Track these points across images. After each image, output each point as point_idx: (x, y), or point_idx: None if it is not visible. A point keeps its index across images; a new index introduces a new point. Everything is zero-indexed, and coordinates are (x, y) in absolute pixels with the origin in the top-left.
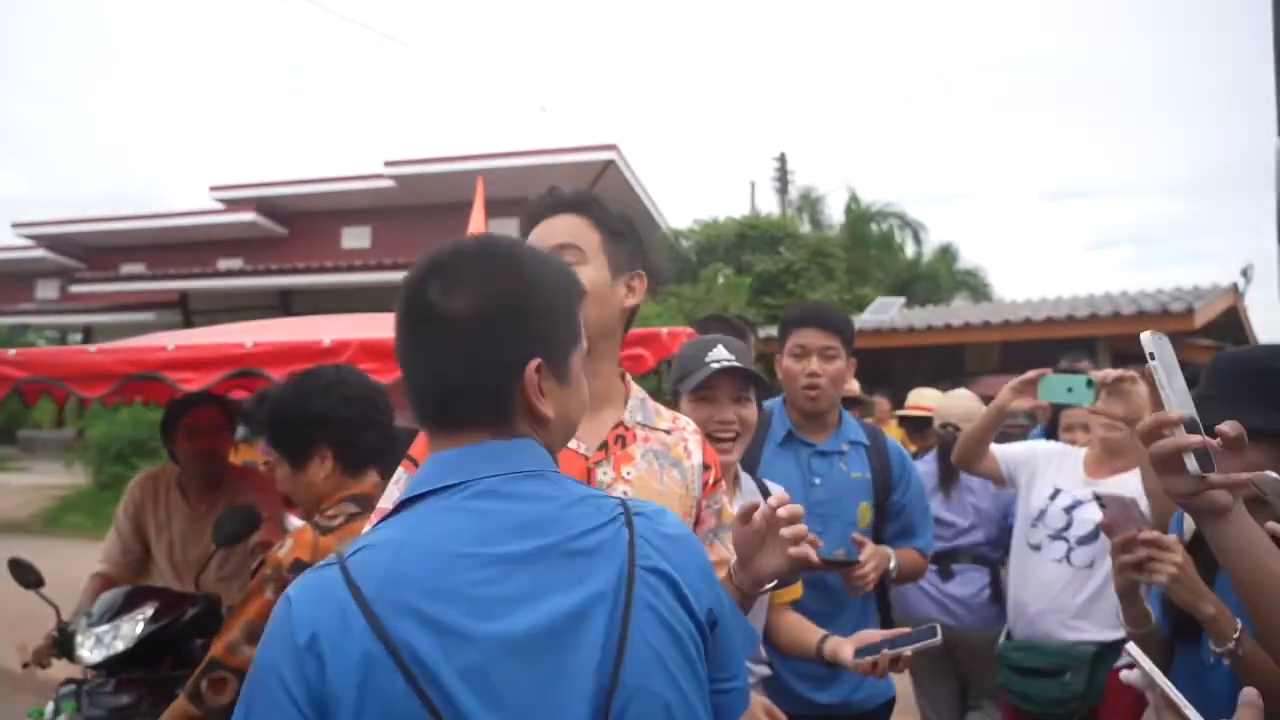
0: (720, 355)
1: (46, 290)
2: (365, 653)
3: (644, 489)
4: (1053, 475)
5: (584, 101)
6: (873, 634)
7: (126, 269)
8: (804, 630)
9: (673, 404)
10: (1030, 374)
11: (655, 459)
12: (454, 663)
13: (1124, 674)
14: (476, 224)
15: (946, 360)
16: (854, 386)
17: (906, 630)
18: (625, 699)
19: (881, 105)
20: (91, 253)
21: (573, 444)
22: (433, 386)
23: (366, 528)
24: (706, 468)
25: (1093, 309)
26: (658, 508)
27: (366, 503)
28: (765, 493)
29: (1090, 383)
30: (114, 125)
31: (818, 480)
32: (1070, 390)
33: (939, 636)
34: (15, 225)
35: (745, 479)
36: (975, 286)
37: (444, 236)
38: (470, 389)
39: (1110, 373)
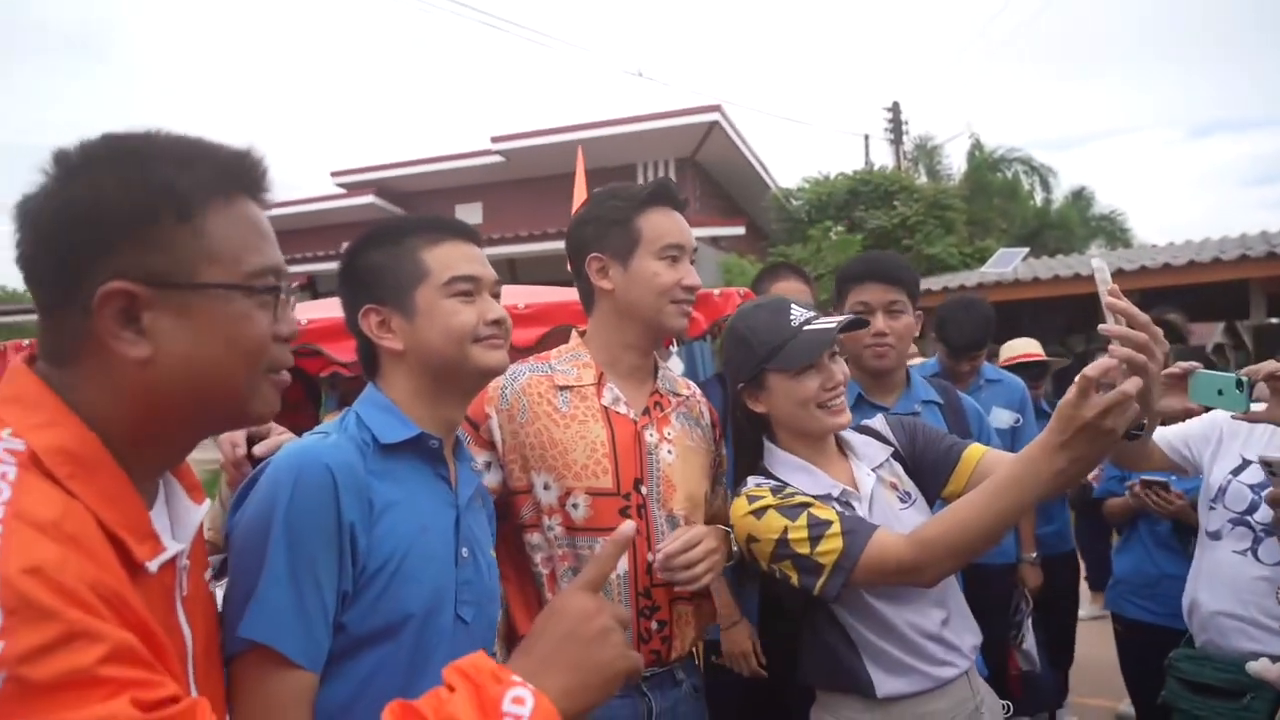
0: (801, 314)
1: None
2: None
3: (682, 447)
4: (1240, 445)
5: (684, 62)
6: None
7: None
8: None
9: (749, 386)
10: (1176, 368)
11: (685, 420)
12: None
13: (1250, 665)
14: (579, 194)
15: (1077, 312)
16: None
17: None
18: None
19: (1003, 43)
20: None
21: (623, 409)
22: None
23: None
24: (713, 426)
25: (1244, 249)
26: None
27: None
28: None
29: (1241, 384)
30: (243, 120)
31: None
32: (1221, 393)
33: None
34: None
35: (858, 440)
36: (1112, 233)
37: (552, 207)
38: (360, 349)
39: (1264, 368)
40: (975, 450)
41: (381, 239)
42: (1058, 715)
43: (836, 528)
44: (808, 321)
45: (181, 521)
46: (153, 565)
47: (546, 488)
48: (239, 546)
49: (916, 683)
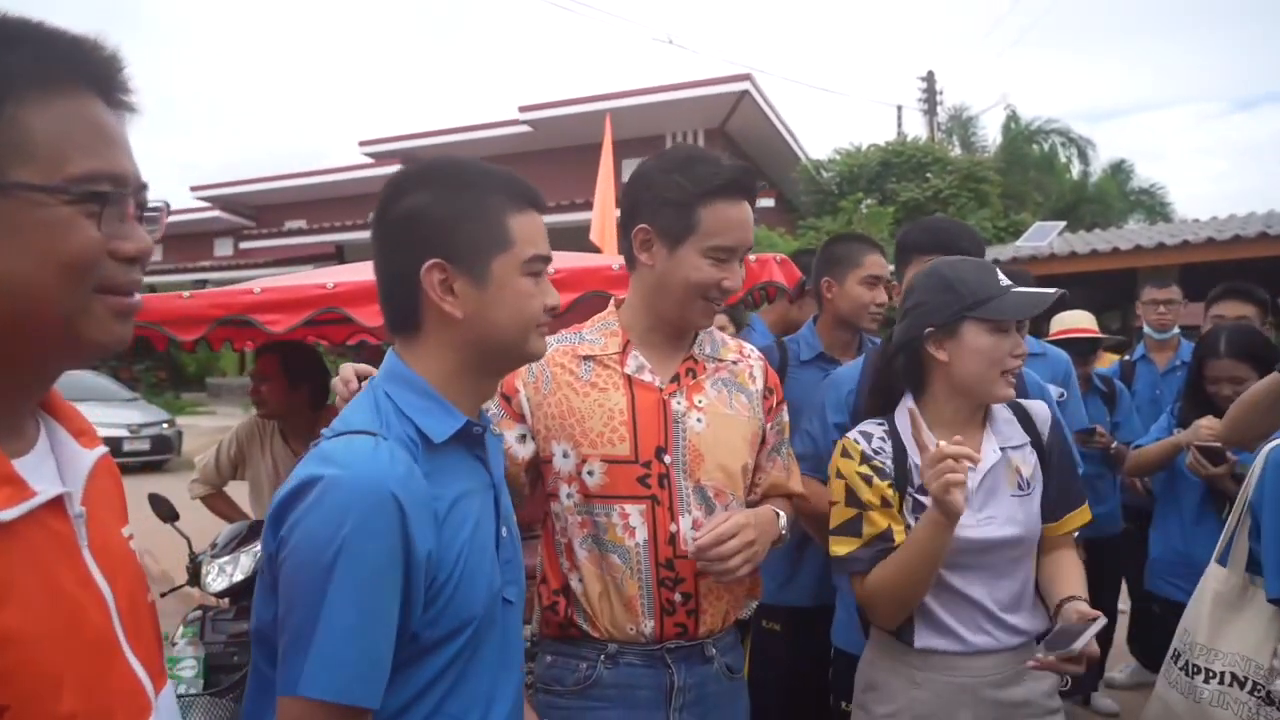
0: (1006, 280)
1: (223, 248)
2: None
3: (714, 414)
4: None
5: (715, 30)
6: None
7: (289, 225)
8: (1058, 584)
9: (939, 332)
10: None
11: (724, 386)
12: None
13: None
14: (607, 164)
15: (1115, 287)
16: None
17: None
18: None
19: (1042, 11)
20: (259, 211)
21: (648, 377)
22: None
23: None
24: (770, 392)
25: None
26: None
27: None
28: (1026, 417)
29: None
30: (273, 89)
31: None
32: None
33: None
34: (193, 189)
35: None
36: (1152, 207)
37: (580, 177)
38: (384, 299)
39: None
40: (1074, 519)
41: (455, 183)
42: (1092, 699)
43: (863, 538)
44: (1011, 287)
45: (70, 466)
46: (9, 513)
47: (565, 456)
48: (291, 576)
49: (952, 644)
